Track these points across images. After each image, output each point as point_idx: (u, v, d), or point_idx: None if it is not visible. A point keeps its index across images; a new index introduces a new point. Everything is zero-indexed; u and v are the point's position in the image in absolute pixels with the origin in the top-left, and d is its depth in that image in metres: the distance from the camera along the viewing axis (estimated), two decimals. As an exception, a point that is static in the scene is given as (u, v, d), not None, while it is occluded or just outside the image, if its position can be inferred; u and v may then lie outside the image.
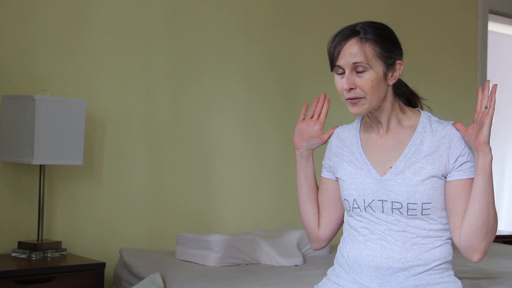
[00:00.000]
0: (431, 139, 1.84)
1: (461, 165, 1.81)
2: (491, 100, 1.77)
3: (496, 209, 1.81)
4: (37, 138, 2.67)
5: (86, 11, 3.11)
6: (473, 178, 1.80)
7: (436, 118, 1.90)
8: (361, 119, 1.99)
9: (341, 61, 1.81)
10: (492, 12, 4.91)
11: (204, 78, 3.47)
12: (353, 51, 1.79)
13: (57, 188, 3.00)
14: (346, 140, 1.98)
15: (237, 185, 3.58)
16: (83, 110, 2.84)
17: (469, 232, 1.78)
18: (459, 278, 1.90)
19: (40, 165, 2.81)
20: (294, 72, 3.81)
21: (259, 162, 3.66)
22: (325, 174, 2.04)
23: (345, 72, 1.81)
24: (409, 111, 1.92)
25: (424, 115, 1.90)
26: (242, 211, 3.59)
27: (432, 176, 1.80)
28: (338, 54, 1.81)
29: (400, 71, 1.86)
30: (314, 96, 2.12)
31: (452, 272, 1.86)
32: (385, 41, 1.82)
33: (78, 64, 3.08)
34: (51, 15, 3.01)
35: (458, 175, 1.81)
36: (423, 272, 1.81)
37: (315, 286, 2.01)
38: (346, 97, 1.83)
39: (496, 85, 1.79)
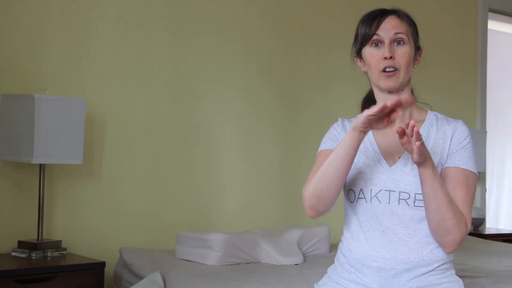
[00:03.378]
0: (436, 131, 1.88)
1: (453, 153, 1.84)
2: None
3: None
4: (37, 137, 2.67)
5: (86, 10, 3.11)
6: (459, 168, 1.81)
7: (442, 116, 1.94)
8: None
9: (381, 32, 1.87)
10: (492, 10, 4.91)
11: (204, 76, 3.47)
12: (394, 23, 1.87)
13: (57, 187, 3.00)
14: None
15: (237, 184, 3.58)
16: (83, 109, 2.84)
17: (431, 231, 1.80)
18: (460, 277, 1.90)
19: (40, 164, 2.81)
20: (293, 73, 3.81)
21: (259, 161, 3.66)
22: (333, 145, 1.91)
23: (380, 45, 1.87)
24: (419, 107, 1.98)
25: (431, 113, 1.95)
26: (242, 210, 3.59)
27: (438, 167, 1.81)
28: (378, 25, 1.87)
29: (421, 57, 1.96)
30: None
31: (453, 272, 1.86)
32: (415, 25, 1.94)
33: (78, 63, 3.08)
34: (51, 14, 3.01)
35: (448, 162, 1.83)
36: (425, 273, 1.80)
37: (315, 284, 1.99)
38: (384, 66, 1.86)
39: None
